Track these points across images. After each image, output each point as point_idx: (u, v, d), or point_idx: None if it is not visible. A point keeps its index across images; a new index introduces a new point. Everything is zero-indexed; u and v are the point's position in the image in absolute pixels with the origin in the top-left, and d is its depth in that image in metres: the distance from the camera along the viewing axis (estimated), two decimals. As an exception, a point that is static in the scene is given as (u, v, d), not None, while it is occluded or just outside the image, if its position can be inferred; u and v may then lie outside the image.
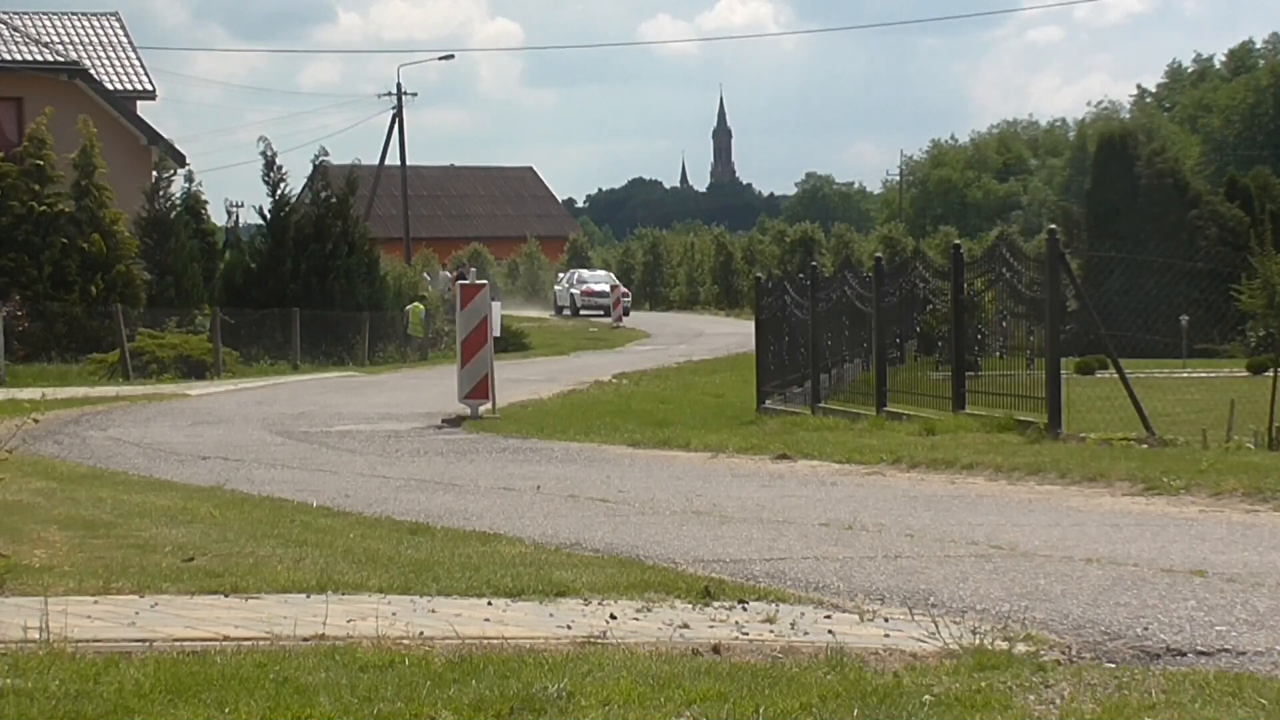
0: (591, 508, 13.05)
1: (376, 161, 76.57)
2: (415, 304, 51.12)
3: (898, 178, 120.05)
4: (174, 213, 47.33)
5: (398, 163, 76.71)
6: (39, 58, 48.46)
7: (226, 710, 5.70)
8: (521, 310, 72.56)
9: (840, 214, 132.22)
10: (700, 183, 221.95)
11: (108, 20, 54.25)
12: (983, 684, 6.13)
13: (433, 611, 7.76)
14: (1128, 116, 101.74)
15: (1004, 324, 21.59)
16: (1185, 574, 9.12)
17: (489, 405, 24.76)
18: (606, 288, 73.61)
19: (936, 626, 7.43)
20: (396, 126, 76.06)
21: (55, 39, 51.20)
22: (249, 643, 6.81)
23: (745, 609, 8.00)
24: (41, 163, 42.60)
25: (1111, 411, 19.10)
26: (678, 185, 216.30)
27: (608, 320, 69.11)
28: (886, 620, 7.84)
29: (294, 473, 16.87)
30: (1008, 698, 5.94)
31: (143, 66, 53.10)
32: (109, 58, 52.37)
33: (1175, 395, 24.68)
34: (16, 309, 40.70)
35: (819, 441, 18.68)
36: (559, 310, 78.50)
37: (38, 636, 6.72)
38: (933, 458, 16.19)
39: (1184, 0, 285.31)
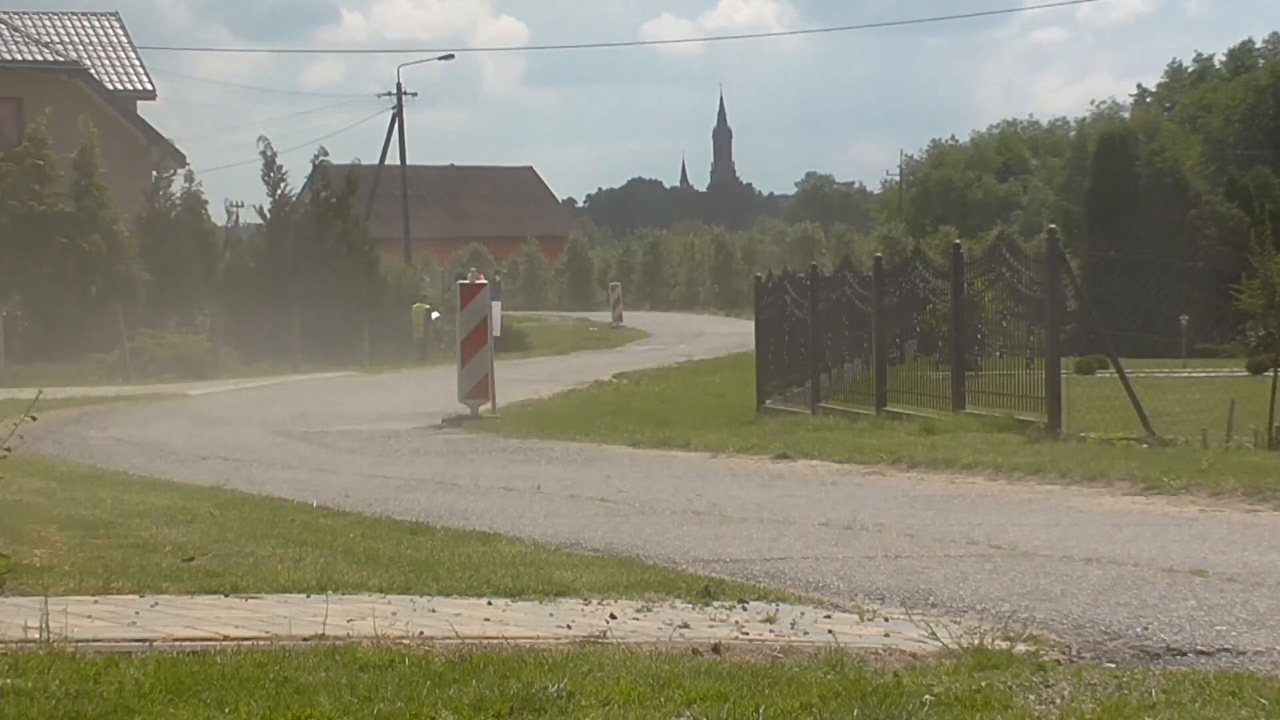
0: (591, 507, 13.05)
1: (376, 161, 76.52)
2: (419, 304, 51.08)
3: (898, 178, 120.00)
4: (174, 212, 47.27)
5: (398, 163, 76.68)
6: (39, 58, 48.46)
7: (226, 710, 5.70)
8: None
9: (840, 214, 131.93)
10: (700, 183, 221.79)
11: (108, 20, 54.22)
12: (983, 684, 6.13)
13: (433, 611, 7.76)
14: (1129, 116, 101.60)
15: (1004, 324, 21.59)
16: (1185, 574, 9.12)
17: (489, 405, 24.75)
18: None
19: (936, 627, 7.43)
20: (396, 126, 76.06)
21: (55, 39, 51.17)
22: (249, 643, 6.81)
23: (745, 609, 8.00)
24: (41, 163, 42.58)
25: (1111, 411, 19.11)
26: (678, 185, 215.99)
27: (608, 319, 69.06)
28: (886, 620, 7.84)
29: (294, 472, 16.87)
30: (1008, 698, 5.94)
31: (143, 66, 53.10)
32: (109, 58, 52.36)
33: (1175, 395, 24.69)
34: (16, 309, 40.69)
35: (819, 441, 18.68)
36: None
37: (38, 636, 6.72)
38: (933, 457, 16.19)
39: (1185, 0, 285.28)
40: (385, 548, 10.10)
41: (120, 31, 53.94)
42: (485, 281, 29.46)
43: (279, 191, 48.64)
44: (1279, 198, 68.29)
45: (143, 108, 51.70)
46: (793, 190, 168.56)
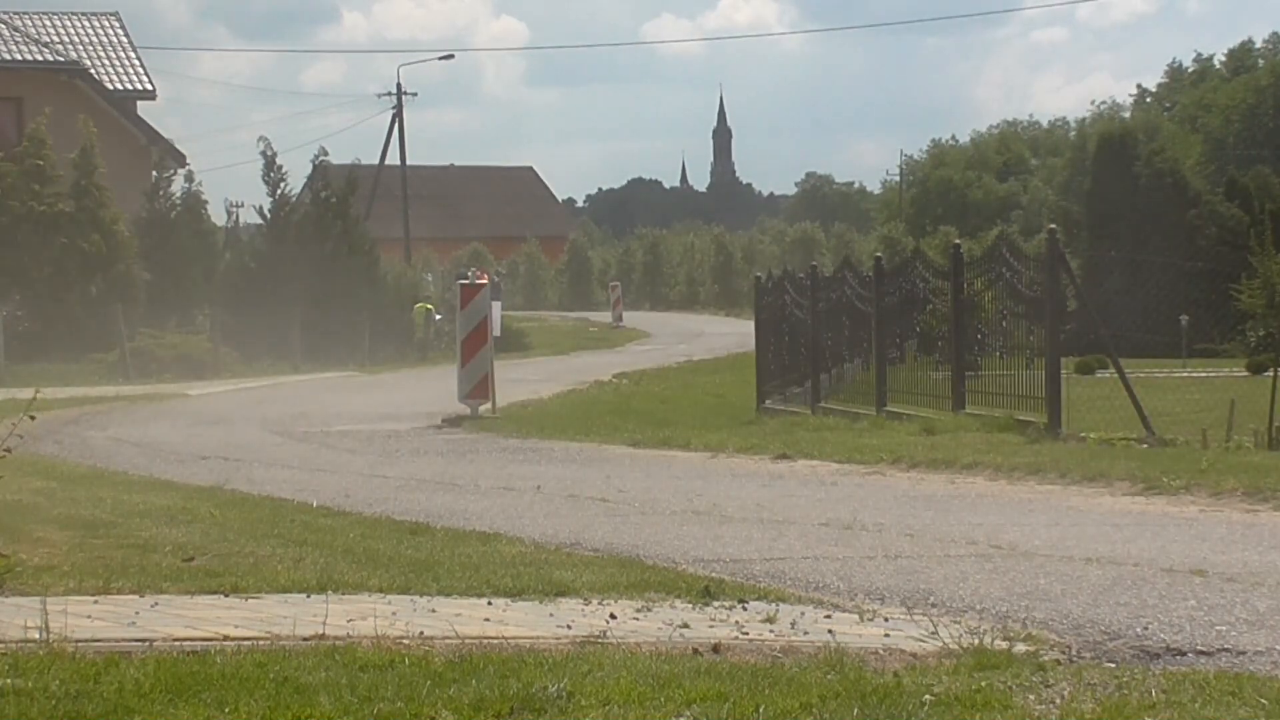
0: (591, 507, 13.06)
1: (376, 161, 76.55)
2: (421, 304, 51.14)
3: (898, 178, 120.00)
4: (174, 213, 47.26)
5: (398, 163, 76.73)
6: (39, 58, 48.42)
7: (226, 710, 5.70)
8: None
9: (840, 214, 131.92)
10: (700, 183, 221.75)
11: (108, 20, 54.18)
12: (983, 684, 6.13)
13: (433, 611, 7.76)
14: (1129, 116, 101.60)
15: (1004, 324, 21.59)
16: (1185, 573, 9.12)
17: (489, 405, 24.75)
18: None
19: (936, 626, 7.44)
20: (396, 126, 76.12)
21: (55, 39, 51.14)
22: (249, 643, 6.81)
23: (745, 609, 8.00)
24: (41, 163, 42.54)
25: (1111, 411, 19.11)
26: (678, 185, 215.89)
27: (608, 319, 69.07)
28: (886, 620, 7.84)
29: (294, 472, 16.87)
30: (1008, 697, 5.94)
31: (143, 66, 53.05)
32: (109, 58, 52.32)
33: (1175, 395, 24.67)
34: (16, 309, 40.67)
35: (819, 441, 18.69)
36: None
37: (38, 636, 6.72)
38: (933, 457, 16.19)
39: (1185, 0, 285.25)
40: (385, 548, 10.10)
41: (120, 31, 53.89)
42: (486, 281, 29.47)
43: (279, 191, 48.63)
44: (1279, 198, 68.25)
45: (143, 108, 51.65)
46: (793, 190, 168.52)
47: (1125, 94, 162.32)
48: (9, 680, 5.99)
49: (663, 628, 7.44)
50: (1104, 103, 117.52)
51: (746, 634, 7.35)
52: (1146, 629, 7.57)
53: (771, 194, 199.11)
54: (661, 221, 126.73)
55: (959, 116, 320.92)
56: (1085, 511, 12.49)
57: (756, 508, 12.86)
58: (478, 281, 28.09)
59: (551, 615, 7.75)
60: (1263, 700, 5.88)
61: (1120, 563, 9.61)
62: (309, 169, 54.02)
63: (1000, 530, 11.20)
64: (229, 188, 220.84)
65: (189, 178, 49.36)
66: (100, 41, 52.98)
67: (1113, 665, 6.78)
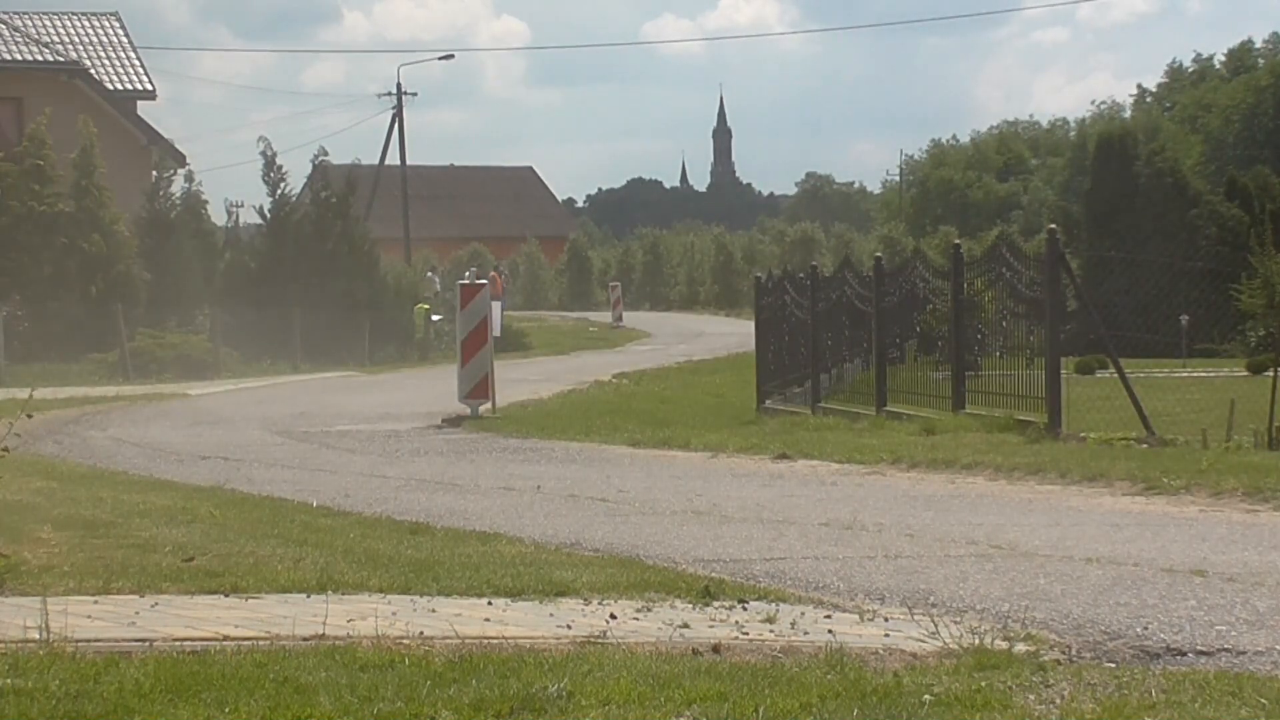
0: (591, 507, 13.06)
1: (376, 161, 76.54)
2: (421, 304, 51.18)
3: (898, 178, 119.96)
4: (174, 213, 47.24)
5: (398, 163, 76.72)
6: (39, 58, 48.41)
7: (226, 710, 5.70)
8: None
9: (840, 214, 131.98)
10: (700, 183, 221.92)
11: (108, 20, 54.16)
12: (983, 684, 6.13)
13: (433, 611, 7.76)
14: (1129, 116, 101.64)
15: (1004, 324, 21.59)
16: (1185, 574, 9.12)
17: (489, 405, 24.76)
18: None
19: (936, 626, 7.43)
20: (396, 126, 76.11)
21: (55, 39, 51.13)
22: (249, 643, 6.82)
23: (745, 609, 8.00)
24: (41, 163, 42.52)
25: (1111, 411, 19.11)
26: (678, 185, 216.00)
27: (608, 319, 69.04)
28: (886, 620, 7.84)
29: (294, 472, 16.87)
30: (1008, 697, 5.95)
31: (143, 66, 53.04)
32: (109, 58, 52.31)
33: (1175, 395, 24.68)
34: (16, 309, 40.67)
35: (819, 441, 18.69)
36: None
37: (38, 636, 6.72)
38: (933, 457, 16.19)
39: (1185, 0, 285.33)
40: (385, 548, 10.10)
41: (120, 31, 53.87)
42: (499, 283, 29.46)
43: (279, 191, 48.61)
44: (1279, 198, 68.23)
45: (143, 108, 51.62)
46: (793, 190, 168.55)
47: (1125, 94, 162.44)
48: (9, 680, 5.99)
49: (663, 628, 7.44)
50: (1104, 103, 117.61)
51: (746, 634, 7.35)
52: (1146, 629, 7.57)
53: (771, 194, 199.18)
54: (661, 221, 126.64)
55: (959, 116, 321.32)
56: (1085, 511, 12.49)
57: (756, 508, 12.86)
58: (477, 282, 28.07)
59: (551, 615, 7.75)
60: (1263, 700, 5.88)
61: (1120, 563, 9.61)
62: (309, 169, 54.08)
63: (1000, 530, 11.21)
64: (229, 188, 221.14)
65: (189, 178, 49.38)
66: (100, 41, 52.96)
67: (1113, 665, 6.78)
